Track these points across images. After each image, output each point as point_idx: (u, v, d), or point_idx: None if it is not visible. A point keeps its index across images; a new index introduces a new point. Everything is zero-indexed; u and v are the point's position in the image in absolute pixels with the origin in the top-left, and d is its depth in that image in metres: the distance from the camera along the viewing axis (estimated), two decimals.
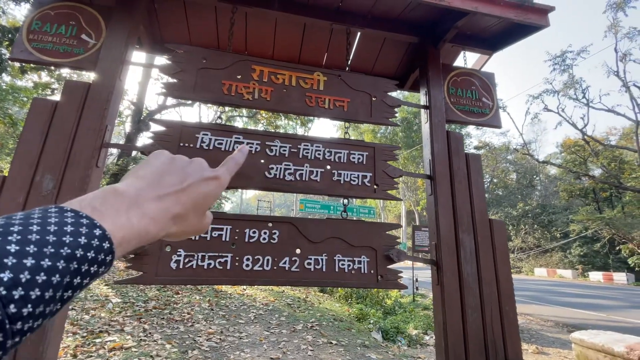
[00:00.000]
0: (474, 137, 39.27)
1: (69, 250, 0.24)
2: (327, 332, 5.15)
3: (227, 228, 2.00)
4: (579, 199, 33.00)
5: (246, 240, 2.01)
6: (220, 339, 4.40)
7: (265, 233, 2.06)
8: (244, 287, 7.81)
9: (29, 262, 0.21)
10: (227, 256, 1.94)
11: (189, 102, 14.51)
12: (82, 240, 0.25)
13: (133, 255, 1.84)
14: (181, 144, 2.08)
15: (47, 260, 0.23)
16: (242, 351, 4.07)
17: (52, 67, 8.92)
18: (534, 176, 41.37)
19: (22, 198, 1.77)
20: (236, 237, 2.00)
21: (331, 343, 4.64)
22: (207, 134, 2.13)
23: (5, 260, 0.20)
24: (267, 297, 7.02)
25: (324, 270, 2.07)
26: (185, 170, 0.36)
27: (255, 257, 1.99)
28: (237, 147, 2.17)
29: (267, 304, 6.51)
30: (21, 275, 0.21)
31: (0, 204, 1.74)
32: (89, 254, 0.25)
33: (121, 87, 2.15)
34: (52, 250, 0.23)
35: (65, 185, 1.83)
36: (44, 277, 0.22)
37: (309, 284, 2.08)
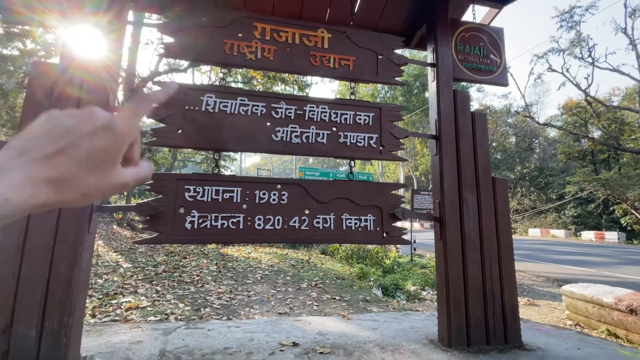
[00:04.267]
0: (475, 100, 38.56)
1: None
2: (330, 289, 5.42)
3: (237, 190, 2.05)
4: (577, 161, 33.18)
5: (257, 201, 2.07)
6: (230, 297, 4.64)
7: (274, 194, 2.11)
8: (249, 250, 8.08)
9: None
10: (239, 216, 2.01)
11: (182, 67, 14.01)
12: None
13: (149, 217, 1.90)
14: (186, 107, 2.06)
15: None
16: (252, 307, 4.31)
17: (38, 33, 8.48)
18: (533, 139, 41.22)
19: None
20: (247, 199, 2.05)
21: (335, 299, 4.91)
22: (211, 97, 2.11)
23: None
24: (272, 260, 7.30)
25: (332, 228, 2.15)
26: (63, 126, 0.29)
27: (267, 217, 2.06)
28: (242, 109, 2.16)
29: (272, 265, 6.79)
30: None
31: None
32: None
33: (120, 49, 2.08)
34: None
35: None
36: None
37: (318, 241, 2.18)
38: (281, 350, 2.07)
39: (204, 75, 15.77)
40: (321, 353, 2.04)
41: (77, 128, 0.29)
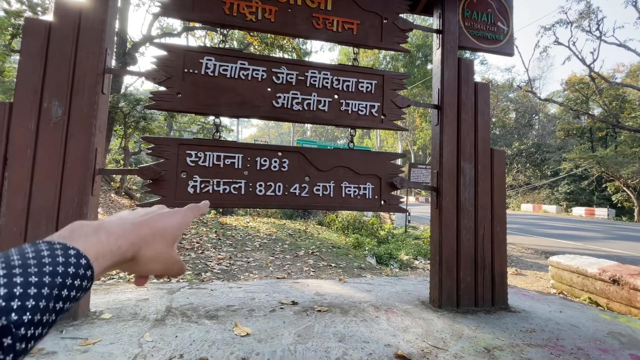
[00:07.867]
0: (478, 73, 37.71)
1: (50, 268, 0.27)
2: (326, 257, 5.60)
3: (239, 156, 2.06)
4: (575, 138, 33.19)
5: (258, 168, 2.09)
6: (229, 263, 4.79)
7: (275, 162, 2.13)
8: (248, 220, 8.21)
9: (18, 289, 0.25)
10: (240, 182, 2.04)
11: (176, 32, 13.42)
12: (60, 259, 0.28)
13: (151, 181, 1.92)
14: (185, 70, 2.01)
15: (33, 277, 0.26)
16: (251, 272, 4.47)
17: None
18: (534, 115, 40.88)
19: (33, 125, 1.77)
20: (248, 165, 2.07)
21: (330, 266, 5.10)
22: (211, 59, 2.06)
23: None
24: (270, 229, 7.45)
25: (331, 195, 2.19)
26: (144, 210, 0.42)
27: (268, 184, 2.09)
28: (242, 74, 2.12)
29: (270, 234, 6.94)
30: (14, 290, 0.24)
31: (13, 132, 1.75)
32: (69, 269, 0.28)
33: (115, 5, 2.00)
34: (36, 269, 0.26)
35: (74, 112, 1.82)
36: (34, 292, 0.25)
37: (318, 207, 2.23)
38: (281, 308, 2.18)
39: (199, 41, 15.17)
40: (319, 311, 2.15)
41: (155, 211, 0.42)
